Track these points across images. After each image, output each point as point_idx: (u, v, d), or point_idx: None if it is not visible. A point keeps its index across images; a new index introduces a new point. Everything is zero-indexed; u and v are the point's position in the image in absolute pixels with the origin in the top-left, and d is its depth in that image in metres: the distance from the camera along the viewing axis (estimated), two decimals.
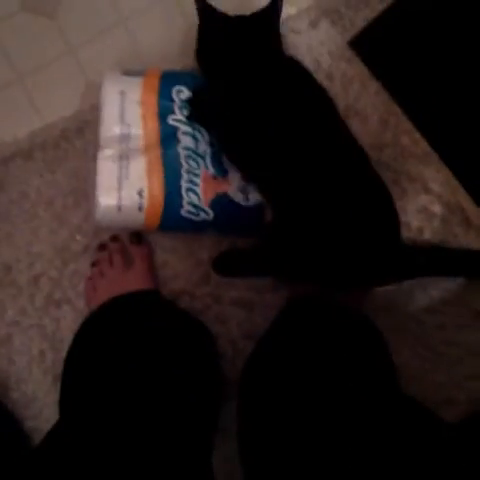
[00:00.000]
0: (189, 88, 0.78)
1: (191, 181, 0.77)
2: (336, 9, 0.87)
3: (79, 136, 0.92)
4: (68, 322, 0.93)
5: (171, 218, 0.81)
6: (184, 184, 0.77)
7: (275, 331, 0.70)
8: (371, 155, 0.71)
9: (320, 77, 0.85)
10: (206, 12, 0.73)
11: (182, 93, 0.78)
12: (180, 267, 0.91)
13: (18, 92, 0.83)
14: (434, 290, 0.82)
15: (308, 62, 0.87)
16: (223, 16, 0.72)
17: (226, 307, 0.88)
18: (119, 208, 0.79)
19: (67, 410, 0.69)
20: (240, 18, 0.72)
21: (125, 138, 0.77)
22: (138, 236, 0.91)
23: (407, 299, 0.83)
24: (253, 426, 0.58)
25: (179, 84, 0.76)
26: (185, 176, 0.77)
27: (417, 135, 0.84)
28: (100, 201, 0.79)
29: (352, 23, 0.87)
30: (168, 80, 0.76)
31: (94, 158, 0.84)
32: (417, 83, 0.82)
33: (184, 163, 0.77)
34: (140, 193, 0.80)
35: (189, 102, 0.77)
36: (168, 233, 0.90)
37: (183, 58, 0.84)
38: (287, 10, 0.87)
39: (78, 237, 0.92)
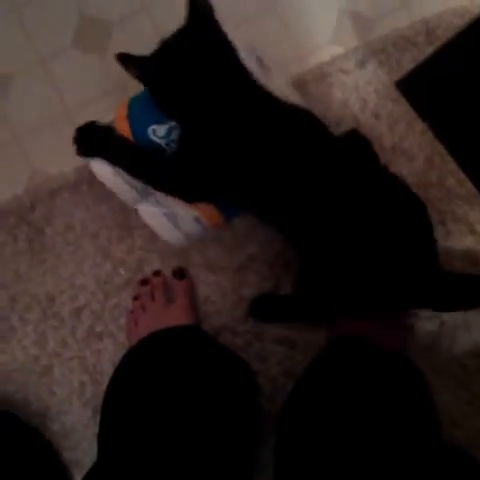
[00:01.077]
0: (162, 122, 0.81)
1: None
2: (384, 49, 1.00)
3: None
4: (109, 355, 1.04)
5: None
6: None
7: (315, 371, 0.81)
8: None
9: (366, 116, 0.98)
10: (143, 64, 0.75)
11: (158, 131, 0.83)
12: (222, 303, 1.02)
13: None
14: (478, 333, 0.94)
15: (355, 101, 1.00)
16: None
17: (267, 344, 0.98)
18: (188, 237, 0.94)
19: (106, 445, 0.77)
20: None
21: (143, 188, 0.90)
22: (181, 271, 1.02)
23: (450, 341, 0.94)
24: (289, 464, 0.67)
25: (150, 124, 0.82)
26: None
27: (462, 176, 0.96)
28: (171, 242, 0.92)
29: (399, 63, 1.00)
30: (138, 123, 0.83)
31: None
32: (463, 124, 0.94)
33: None
34: (197, 220, 0.90)
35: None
36: (211, 268, 1.02)
37: None
38: (335, 50, 1.00)
39: (121, 271, 1.04)
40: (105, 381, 0.88)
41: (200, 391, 0.81)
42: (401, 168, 0.96)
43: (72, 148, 0.90)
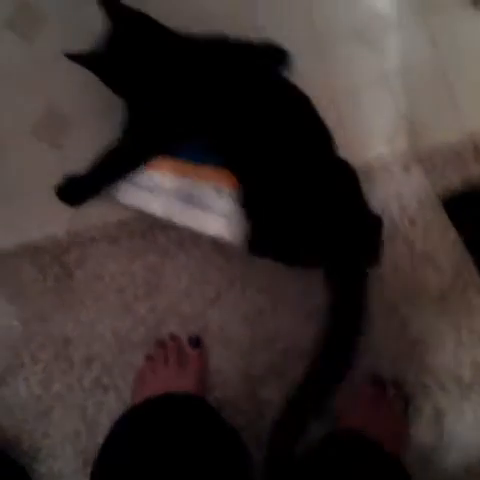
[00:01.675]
0: None
1: None
2: (431, 159, 1.10)
3: (164, 233, 1.14)
4: (110, 409, 1.10)
5: None
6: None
7: (312, 460, 0.87)
8: (435, 304, 0.92)
9: (404, 220, 1.10)
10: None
11: None
12: (231, 377, 1.09)
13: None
14: (475, 451, 1.01)
15: (394, 202, 1.11)
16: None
17: (269, 427, 1.03)
18: (227, 216, 1.04)
19: None
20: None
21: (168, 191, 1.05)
22: (197, 340, 1.10)
23: (445, 456, 1.02)
24: None
25: None
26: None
27: None
28: (217, 233, 1.04)
29: (443, 175, 1.10)
30: None
31: (173, 256, 1.11)
32: None
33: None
34: (218, 191, 1.03)
35: None
36: (227, 343, 1.10)
37: None
38: (383, 150, 1.13)
39: (141, 329, 1.12)
40: (101, 434, 0.94)
41: (193, 462, 0.85)
42: (427, 274, 1.07)
43: (117, 201, 1.04)
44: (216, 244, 1.11)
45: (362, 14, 1.15)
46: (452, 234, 1.09)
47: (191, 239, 1.12)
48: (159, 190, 1.03)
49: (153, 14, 0.95)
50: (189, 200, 1.02)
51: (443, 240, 1.09)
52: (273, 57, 1.01)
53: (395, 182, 1.11)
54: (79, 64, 0.88)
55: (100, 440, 0.89)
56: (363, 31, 1.14)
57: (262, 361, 1.09)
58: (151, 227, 1.14)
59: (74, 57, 0.87)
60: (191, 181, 1.02)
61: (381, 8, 1.15)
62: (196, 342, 1.11)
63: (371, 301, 0.97)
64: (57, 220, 1.16)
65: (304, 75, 1.08)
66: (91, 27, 0.95)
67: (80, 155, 1.10)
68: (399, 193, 1.10)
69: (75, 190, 1.04)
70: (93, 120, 1.14)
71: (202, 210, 1.01)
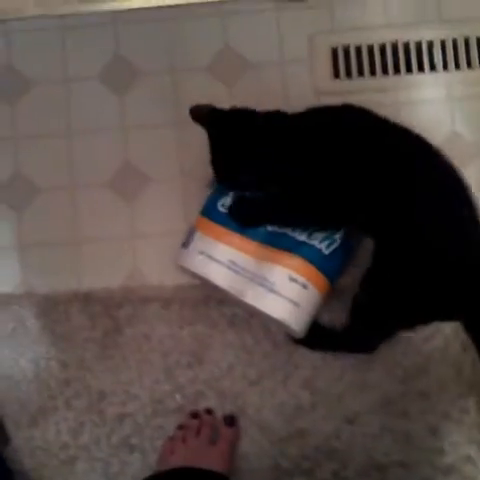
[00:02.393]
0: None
1: (304, 229, 1.05)
2: None
3: (218, 307, 1.22)
4: (133, 470, 1.18)
5: (328, 265, 1.08)
6: (300, 235, 1.07)
7: None
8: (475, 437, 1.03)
9: (456, 345, 1.17)
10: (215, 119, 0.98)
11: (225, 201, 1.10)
12: (259, 464, 1.17)
13: (178, 243, 1.20)
14: None
15: (449, 326, 1.20)
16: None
17: None
18: (296, 304, 1.05)
19: None
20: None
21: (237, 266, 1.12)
22: (232, 419, 1.18)
23: None
24: None
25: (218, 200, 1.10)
26: (297, 231, 1.06)
27: None
28: (283, 318, 1.04)
29: None
30: (210, 210, 1.11)
31: (223, 331, 1.20)
32: None
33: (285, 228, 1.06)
34: (291, 278, 1.05)
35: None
36: (261, 427, 1.19)
37: None
38: None
39: (177, 396, 1.20)
40: None
41: None
42: (471, 404, 1.19)
43: (177, 264, 1.14)
44: (267, 329, 1.19)
45: None
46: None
47: (243, 319, 1.20)
48: (230, 265, 1.07)
49: None
50: (258, 280, 1.04)
51: None
52: None
53: None
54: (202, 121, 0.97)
55: None
56: None
57: (292, 454, 1.16)
58: (206, 298, 1.22)
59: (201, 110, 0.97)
60: (265, 263, 1.05)
61: None
62: (231, 421, 1.17)
63: None
64: (116, 274, 1.25)
65: None
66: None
67: (150, 213, 1.24)
68: None
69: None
70: (168, 182, 1.25)
71: (270, 291, 1.03)
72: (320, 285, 1.10)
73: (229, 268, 1.11)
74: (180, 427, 1.17)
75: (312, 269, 1.09)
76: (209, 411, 1.19)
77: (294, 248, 1.09)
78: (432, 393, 1.17)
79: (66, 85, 1.25)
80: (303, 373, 1.20)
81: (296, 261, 1.09)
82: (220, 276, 1.12)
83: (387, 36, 1.27)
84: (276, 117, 0.95)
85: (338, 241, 1.10)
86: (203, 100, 1.10)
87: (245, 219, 1.03)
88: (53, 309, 1.23)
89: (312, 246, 1.09)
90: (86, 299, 1.23)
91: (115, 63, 1.25)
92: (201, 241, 1.09)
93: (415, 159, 0.97)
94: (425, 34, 1.27)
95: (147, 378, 1.21)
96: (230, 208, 1.04)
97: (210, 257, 1.12)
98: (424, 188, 0.96)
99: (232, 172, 0.96)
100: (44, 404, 1.21)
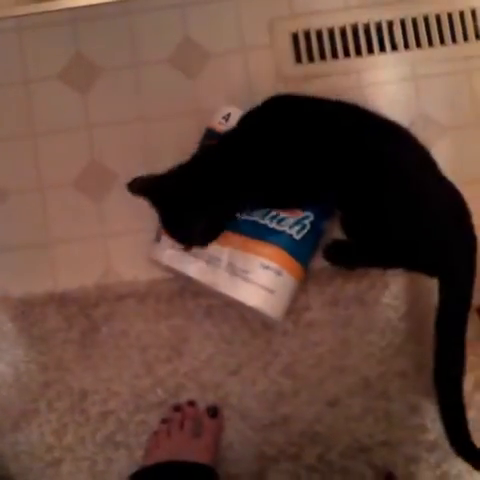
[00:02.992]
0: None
1: (273, 216, 1.12)
2: None
3: (194, 298, 1.27)
4: (120, 467, 1.23)
5: (300, 250, 1.15)
6: (270, 222, 1.13)
7: None
8: None
9: (431, 322, 1.14)
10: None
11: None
12: (244, 453, 1.22)
13: (149, 238, 1.27)
14: None
15: (425, 304, 1.26)
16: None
17: None
18: (271, 291, 1.11)
19: None
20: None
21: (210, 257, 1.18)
22: (215, 410, 1.23)
23: None
24: None
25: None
26: (267, 218, 1.13)
27: None
28: (258, 306, 1.10)
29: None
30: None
31: (200, 323, 1.25)
32: None
33: (254, 216, 1.12)
34: (264, 266, 1.12)
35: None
36: (244, 417, 1.26)
37: None
38: None
39: (158, 391, 1.25)
40: None
41: None
42: None
43: (151, 259, 1.19)
44: (244, 318, 1.24)
45: None
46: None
47: (219, 309, 1.25)
48: (201, 255, 1.11)
49: None
50: (231, 269, 1.09)
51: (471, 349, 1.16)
52: None
53: (429, 282, 1.20)
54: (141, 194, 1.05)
55: None
56: None
57: (277, 440, 1.22)
58: (181, 290, 1.28)
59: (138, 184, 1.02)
60: (238, 252, 1.10)
61: None
62: (214, 412, 1.23)
63: None
64: (89, 273, 1.30)
65: None
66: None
67: (119, 210, 1.27)
68: (433, 292, 1.18)
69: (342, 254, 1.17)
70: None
71: (244, 280, 1.08)
72: (294, 270, 1.16)
73: (201, 259, 1.16)
74: (164, 421, 1.23)
75: (284, 255, 1.15)
76: (191, 403, 1.25)
77: (265, 236, 1.14)
78: (410, 372, 1.24)
79: (27, 86, 1.33)
80: (282, 360, 1.25)
81: (268, 248, 1.14)
82: (193, 268, 1.17)
83: (347, 18, 1.32)
84: (211, 153, 1.06)
85: (308, 226, 1.16)
86: (166, 92, 1.21)
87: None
88: (29, 312, 1.28)
89: (282, 232, 1.15)
90: (62, 300, 1.28)
91: (75, 61, 1.28)
92: None
93: (375, 134, 1.07)
94: (384, 14, 1.32)
95: (127, 374, 1.26)
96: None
97: (182, 249, 1.15)
98: (391, 161, 1.05)
99: (186, 227, 1.04)
100: (26, 407, 1.26)
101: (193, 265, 1.17)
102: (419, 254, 0.99)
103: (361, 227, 1.03)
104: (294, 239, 1.15)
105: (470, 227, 0.98)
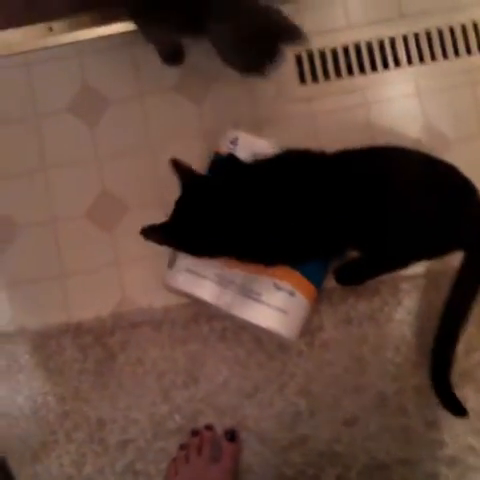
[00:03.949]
0: None
1: None
2: None
3: (208, 323, 1.34)
4: None
5: (312, 270, 1.22)
6: None
7: None
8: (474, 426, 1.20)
9: None
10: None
11: None
12: (263, 476, 1.29)
13: (164, 265, 1.33)
14: None
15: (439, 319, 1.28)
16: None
17: None
18: (284, 312, 1.19)
19: None
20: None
21: (223, 280, 1.26)
22: (233, 433, 1.30)
23: None
24: None
25: None
26: None
27: None
28: (272, 327, 1.18)
29: None
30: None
31: (214, 347, 1.32)
32: None
33: None
34: (277, 287, 1.21)
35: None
36: (262, 439, 1.32)
37: None
38: (432, 264, 1.34)
39: (177, 417, 1.32)
40: None
41: None
42: (467, 393, 1.30)
43: (164, 285, 1.26)
44: (258, 340, 1.31)
45: None
46: None
47: (234, 332, 1.32)
48: (216, 279, 1.19)
49: None
50: (244, 291, 1.17)
51: None
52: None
53: (441, 297, 1.29)
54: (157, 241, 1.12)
55: None
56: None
57: (296, 461, 1.29)
58: (195, 316, 1.35)
59: (150, 232, 1.09)
60: (250, 275, 1.17)
61: None
62: (232, 435, 1.30)
63: None
64: (104, 302, 1.38)
65: None
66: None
67: (131, 238, 1.31)
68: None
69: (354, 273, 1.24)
70: (146, 208, 1.38)
71: (257, 302, 1.16)
72: (306, 291, 1.23)
73: (215, 282, 1.23)
74: (182, 447, 1.29)
75: (297, 275, 1.22)
76: (209, 427, 1.31)
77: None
78: (426, 387, 1.29)
79: (37, 120, 1.38)
80: (298, 381, 1.32)
81: (280, 269, 1.21)
82: (207, 291, 1.24)
83: (349, 37, 1.39)
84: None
85: None
86: (173, 119, 1.32)
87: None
88: (45, 344, 1.35)
89: None
90: (77, 331, 1.35)
91: (83, 94, 1.38)
92: (185, 258, 1.18)
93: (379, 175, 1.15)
94: (387, 31, 1.40)
95: (144, 402, 1.33)
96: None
97: (196, 273, 1.24)
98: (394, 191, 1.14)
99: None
100: (45, 439, 1.33)
101: (206, 288, 1.23)
102: (439, 238, 1.12)
103: (376, 237, 1.12)
104: None
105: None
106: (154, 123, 1.36)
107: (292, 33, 1.07)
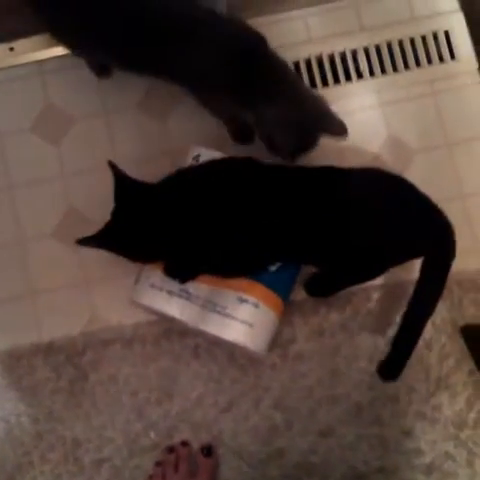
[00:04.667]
0: None
1: None
2: (448, 287, 1.28)
3: (180, 339, 1.33)
4: None
5: (277, 281, 1.22)
6: None
7: None
8: (450, 433, 1.20)
9: (420, 346, 1.23)
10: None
11: None
12: None
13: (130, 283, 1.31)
14: None
15: None
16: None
17: None
18: (250, 325, 1.17)
19: None
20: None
21: (188, 295, 1.23)
22: (209, 448, 1.28)
23: None
24: None
25: None
26: None
27: None
28: (239, 340, 1.16)
29: (461, 303, 1.33)
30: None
31: (188, 363, 1.31)
32: None
33: None
34: (241, 300, 1.19)
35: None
36: (239, 454, 1.30)
37: None
38: (402, 274, 1.33)
39: (151, 434, 1.31)
40: None
41: None
42: (442, 401, 1.29)
43: (132, 302, 1.24)
44: (231, 355, 1.30)
45: None
46: (468, 363, 1.30)
47: (206, 348, 1.32)
48: (182, 294, 1.18)
49: None
50: (210, 306, 1.16)
51: (458, 368, 1.31)
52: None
53: None
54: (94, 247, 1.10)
55: None
56: None
57: (273, 475, 1.28)
58: (167, 332, 1.34)
59: (86, 242, 1.08)
60: (214, 289, 1.17)
61: None
62: (208, 451, 1.28)
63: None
64: (75, 321, 1.37)
65: None
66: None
67: (100, 256, 1.28)
68: None
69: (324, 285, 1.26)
70: None
71: (223, 316, 1.15)
72: (272, 303, 1.23)
73: (181, 297, 1.23)
74: (158, 464, 1.28)
75: (261, 287, 1.22)
76: (185, 443, 1.30)
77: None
78: (402, 396, 1.30)
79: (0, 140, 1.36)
80: (273, 394, 1.31)
81: (244, 282, 1.21)
82: (173, 307, 1.23)
83: (311, 50, 1.40)
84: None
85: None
86: (137, 137, 1.34)
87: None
88: (17, 364, 1.34)
89: None
90: (48, 350, 1.34)
91: (47, 112, 1.38)
92: (151, 274, 1.19)
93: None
94: (348, 44, 1.41)
95: (119, 420, 1.32)
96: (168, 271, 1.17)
97: (161, 289, 1.24)
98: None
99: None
100: (19, 461, 1.31)
101: (172, 304, 1.23)
102: (401, 250, 1.12)
103: (338, 257, 1.13)
104: (270, 271, 1.22)
105: (438, 212, 1.10)
106: (118, 140, 1.37)
107: (336, 127, 1.11)
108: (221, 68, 1.07)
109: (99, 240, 1.10)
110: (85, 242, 1.09)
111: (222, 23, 1.06)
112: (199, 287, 1.21)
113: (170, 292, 1.23)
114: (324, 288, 1.27)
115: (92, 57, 1.27)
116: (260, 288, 1.20)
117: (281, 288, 1.23)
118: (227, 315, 1.19)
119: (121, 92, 1.40)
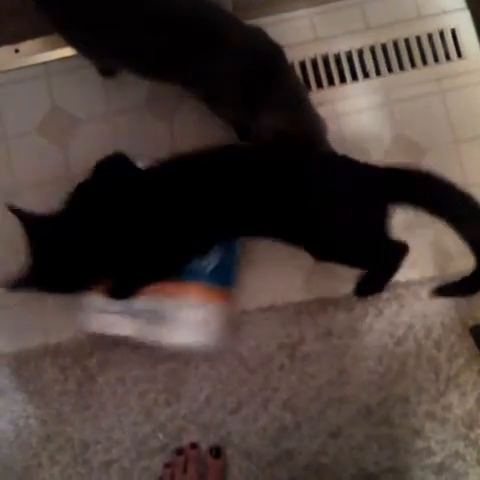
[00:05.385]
0: None
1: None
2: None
3: None
4: None
5: (217, 276, 1.19)
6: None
7: None
8: (460, 432, 1.17)
9: (428, 345, 1.28)
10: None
11: None
12: None
13: None
14: None
15: (420, 327, 1.29)
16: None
17: None
18: (197, 324, 1.16)
19: None
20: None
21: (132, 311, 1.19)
22: (218, 450, 1.27)
23: None
24: None
25: None
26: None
27: None
28: (190, 342, 1.17)
29: (470, 304, 1.30)
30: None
31: (196, 365, 1.29)
32: None
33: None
34: (182, 303, 1.16)
35: None
36: (248, 455, 1.27)
37: None
38: (412, 274, 1.30)
39: (160, 435, 1.29)
40: None
41: None
42: (452, 400, 1.26)
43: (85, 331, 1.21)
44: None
45: None
46: (478, 363, 1.27)
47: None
48: (123, 311, 1.16)
49: None
50: (155, 317, 1.15)
51: (468, 368, 1.28)
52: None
53: (422, 307, 1.30)
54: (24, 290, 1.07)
55: None
56: None
57: (283, 476, 1.26)
58: None
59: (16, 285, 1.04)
60: (156, 299, 1.16)
61: None
62: (217, 452, 1.26)
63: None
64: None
65: None
66: None
67: None
68: (425, 317, 1.29)
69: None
70: None
71: (169, 322, 1.15)
72: (213, 296, 1.21)
73: (125, 316, 1.20)
74: (167, 466, 1.26)
75: (200, 287, 1.20)
76: (194, 445, 1.27)
77: (178, 276, 1.16)
78: (411, 395, 1.27)
79: (6, 143, 1.36)
80: (282, 395, 1.29)
81: (184, 287, 1.19)
82: (123, 326, 1.20)
83: (317, 50, 1.38)
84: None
85: (218, 254, 1.20)
86: (143, 138, 1.31)
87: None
88: (24, 367, 1.32)
89: (192, 269, 1.17)
90: (56, 352, 1.32)
91: (53, 114, 1.36)
92: (93, 300, 1.17)
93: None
94: (354, 43, 1.39)
95: (127, 421, 1.30)
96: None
97: (107, 312, 1.20)
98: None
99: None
100: (28, 463, 1.30)
101: (122, 324, 1.20)
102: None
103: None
104: (208, 270, 1.20)
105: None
106: (124, 141, 1.33)
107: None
108: (236, 77, 1.05)
109: (28, 282, 1.03)
110: (15, 286, 1.01)
111: (243, 32, 1.03)
112: (140, 301, 1.19)
113: (116, 313, 1.19)
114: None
115: (100, 60, 1.25)
116: (199, 287, 1.19)
117: (222, 278, 1.20)
118: (172, 320, 1.18)
119: (127, 93, 1.38)
